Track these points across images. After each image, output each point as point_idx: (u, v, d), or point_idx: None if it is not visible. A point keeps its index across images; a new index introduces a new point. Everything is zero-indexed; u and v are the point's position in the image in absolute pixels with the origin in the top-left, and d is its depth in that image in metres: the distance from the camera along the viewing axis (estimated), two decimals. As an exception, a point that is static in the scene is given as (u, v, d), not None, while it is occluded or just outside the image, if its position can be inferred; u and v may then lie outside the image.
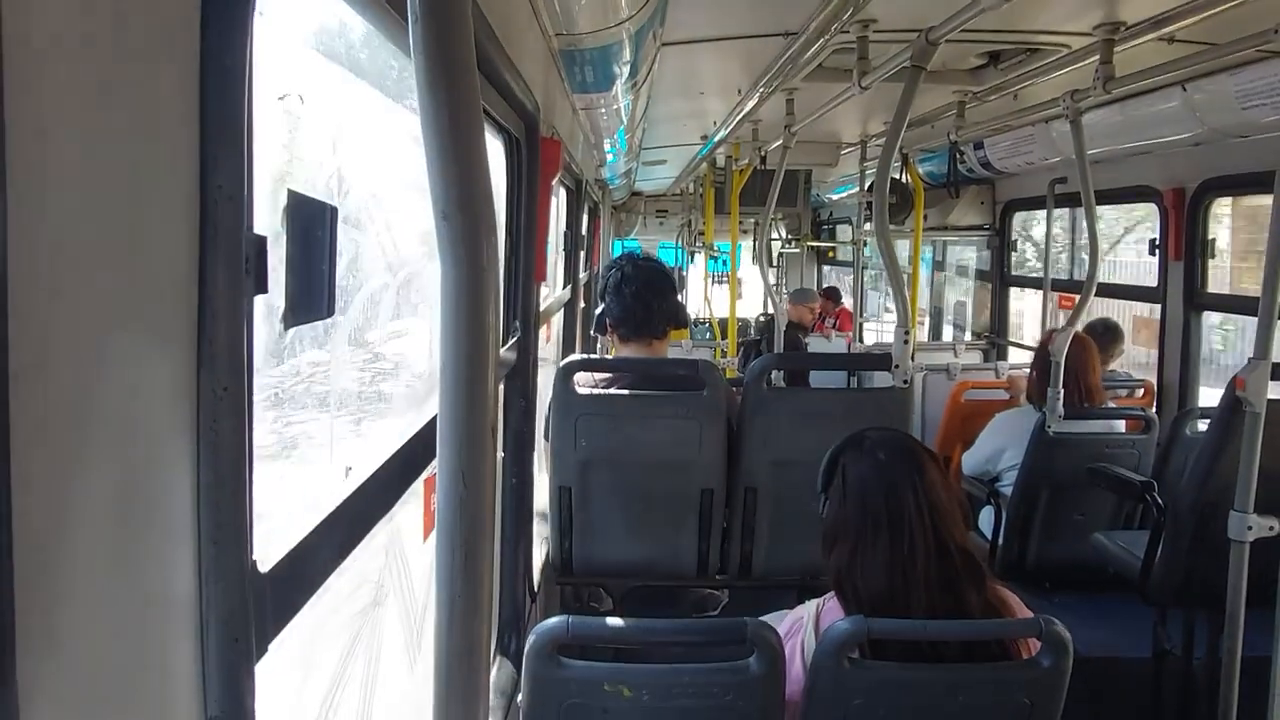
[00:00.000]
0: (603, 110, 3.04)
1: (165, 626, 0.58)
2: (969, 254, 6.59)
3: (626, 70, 2.48)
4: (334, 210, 0.77)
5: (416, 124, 0.70)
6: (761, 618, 1.50)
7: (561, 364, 2.48)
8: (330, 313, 0.76)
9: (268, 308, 0.73)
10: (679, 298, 3.13)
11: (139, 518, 0.55)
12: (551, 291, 3.90)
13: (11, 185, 0.41)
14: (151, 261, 0.55)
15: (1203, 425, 3.14)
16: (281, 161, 0.78)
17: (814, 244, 8.41)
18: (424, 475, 1.31)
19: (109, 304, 0.51)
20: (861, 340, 6.01)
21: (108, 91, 0.50)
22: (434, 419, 0.75)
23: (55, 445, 0.47)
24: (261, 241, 0.64)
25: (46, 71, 0.44)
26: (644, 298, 2.58)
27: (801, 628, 1.57)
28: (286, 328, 0.74)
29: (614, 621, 1.49)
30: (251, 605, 0.63)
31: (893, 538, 1.53)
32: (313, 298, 0.75)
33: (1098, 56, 2.53)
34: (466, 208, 0.68)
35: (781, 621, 1.59)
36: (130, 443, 0.53)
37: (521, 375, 2.27)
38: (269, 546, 0.71)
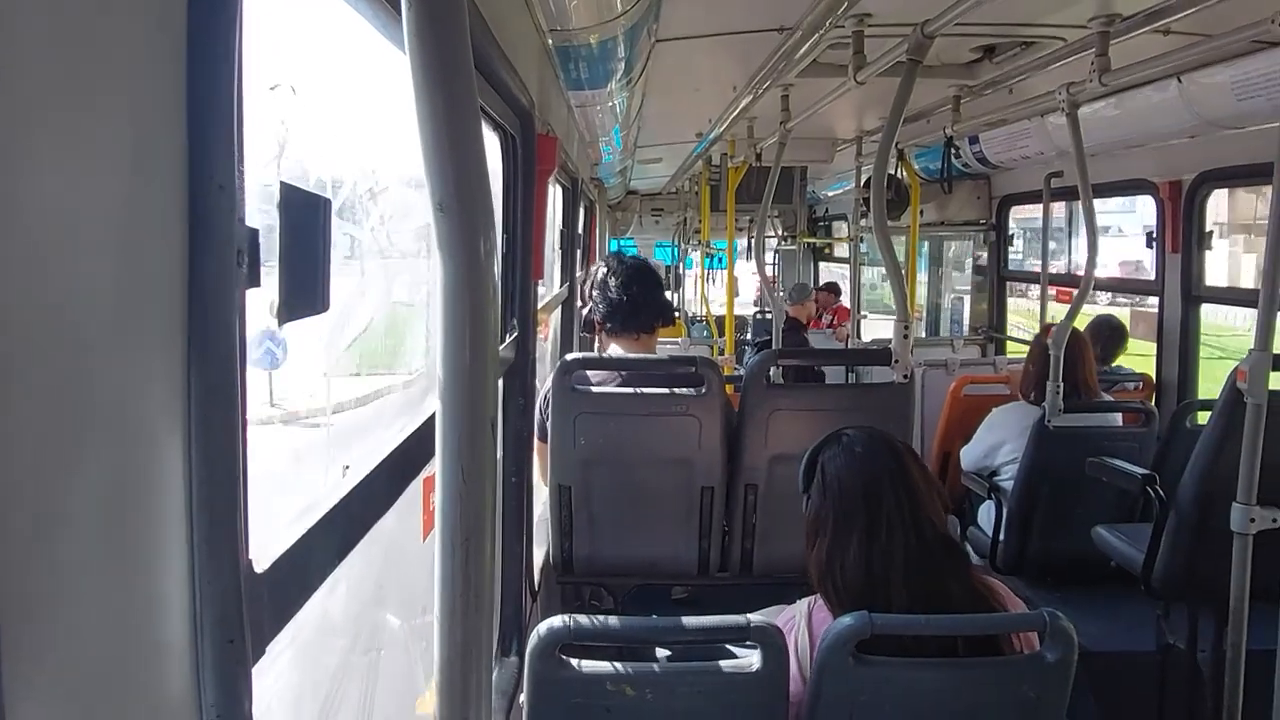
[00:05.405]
0: (598, 107, 3.03)
1: (159, 629, 0.56)
2: (966, 249, 6.58)
3: (621, 67, 2.47)
4: (328, 202, 0.75)
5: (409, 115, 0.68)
6: (754, 614, 1.48)
7: (560, 361, 2.47)
8: (325, 307, 0.75)
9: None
10: (669, 295, 3.13)
11: (130, 518, 0.53)
12: (549, 291, 3.89)
13: None
14: (140, 255, 0.54)
15: (1203, 418, 3.13)
16: (273, 154, 0.77)
17: (810, 240, 8.41)
18: (422, 475, 1.30)
19: (97, 299, 0.50)
20: (859, 336, 6.00)
21: (91, 81, 0.48)
22: (432, 417, 0.74)
23: (43, 444, 0.46)
24: (254, 234, 0.63)
25: (29, 64, 0.43)
26: (630, 290, 2.58)
27: (794, 626, 1.57)
28: (281, 323, 0.72)
29: (615, 620, 1.48)
30: (247, 607, 0.61)
31: (870, 530, 1.53)
32: (307, 292, 0.73)
33: (1093, 49, 2.52)
34: (464, 198, 0.67)
35: (777, 618, 1.58)
36: (120, 441, 0.52)
37: (520, 373, 2.26)
38: (265, 545, 0.70)
